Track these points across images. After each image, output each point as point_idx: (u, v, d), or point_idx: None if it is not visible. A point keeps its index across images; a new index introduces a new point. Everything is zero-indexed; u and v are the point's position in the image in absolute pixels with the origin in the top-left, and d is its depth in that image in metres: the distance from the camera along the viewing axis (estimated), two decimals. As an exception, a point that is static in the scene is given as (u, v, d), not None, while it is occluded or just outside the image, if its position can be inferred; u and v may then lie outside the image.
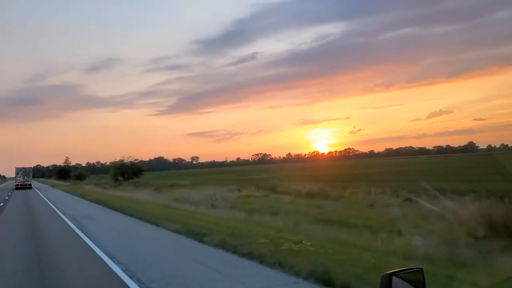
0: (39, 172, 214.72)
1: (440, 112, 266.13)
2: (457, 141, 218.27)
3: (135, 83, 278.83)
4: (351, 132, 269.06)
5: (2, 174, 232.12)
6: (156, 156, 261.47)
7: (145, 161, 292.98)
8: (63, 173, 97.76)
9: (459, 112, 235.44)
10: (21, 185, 53.49)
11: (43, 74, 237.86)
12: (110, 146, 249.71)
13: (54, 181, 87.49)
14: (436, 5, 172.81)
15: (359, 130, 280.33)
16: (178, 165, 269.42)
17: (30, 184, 55.17)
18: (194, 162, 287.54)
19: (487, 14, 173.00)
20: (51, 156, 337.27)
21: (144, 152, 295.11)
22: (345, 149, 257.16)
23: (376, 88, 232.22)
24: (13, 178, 62.02)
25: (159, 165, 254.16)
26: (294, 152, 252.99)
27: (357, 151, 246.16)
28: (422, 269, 2.20)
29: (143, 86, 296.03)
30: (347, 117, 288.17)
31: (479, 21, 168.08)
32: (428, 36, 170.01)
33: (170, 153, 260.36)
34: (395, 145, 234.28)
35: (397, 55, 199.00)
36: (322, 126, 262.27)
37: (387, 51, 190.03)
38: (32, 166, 68.97)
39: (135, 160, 57.75)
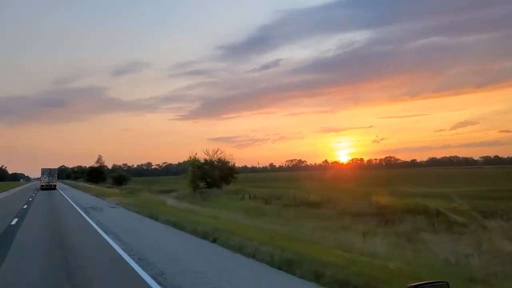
0: (64, 173, 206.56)
1: (465, 123, 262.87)
2: (482, 153, 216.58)
3: (158, 88, 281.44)
4: (374, 141, 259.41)
5: (26, 175, 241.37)
6: (186, 159, 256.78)
7: (174, 164, 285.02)
8: (96, 175, 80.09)
9: (485, 124, 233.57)
10: (46, 185, 54.17)
11: (70, 76, 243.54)
12: (134, 149, 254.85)
13: (85, 184, 70.33)
14: (465, 14, 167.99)
15: (382, 139, 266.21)
16: None
17: (55, 185, 55.93)
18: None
19: None
20: (75, 158, 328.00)
21: (163, 157, 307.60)
22: (386, 157, 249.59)
23: (401, 97, 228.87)
24: (37, 179, 66.71)
25: (187, 169, 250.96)
26: (321, 159, 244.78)
27: (398, 159, 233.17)
28: (447, 283, 2.18)
29: (166, 91, 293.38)
30: (371, 126, 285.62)
31: (509, 31, 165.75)
32: (456, 45, 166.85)
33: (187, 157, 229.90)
34: (419, 156, 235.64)
35: (424, 64, 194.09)
36: (344, 135, 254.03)
37: (414, 60, 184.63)
38: (57, 167, 66.56)
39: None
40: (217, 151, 34.48)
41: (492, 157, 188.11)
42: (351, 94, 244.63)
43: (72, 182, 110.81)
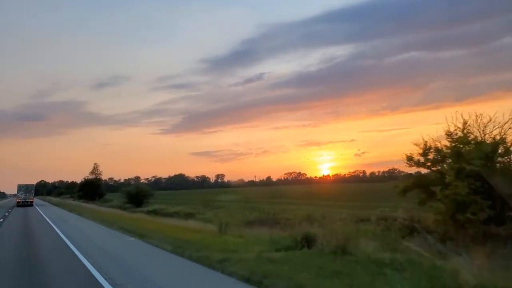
0: (44, 189, 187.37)
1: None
2: None
3: (140, 101, 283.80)
4: (355, 154, 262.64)
5: (2, 191, 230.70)
6: (176, 173, 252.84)
7: (164, 178, 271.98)
8: (90, 189, 61.65)
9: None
10: (22, 202, 53.08)
11: (48, 90, 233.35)
12: (116, 164, 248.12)
13: (79, 205, 52.22)
14: (443, 30, 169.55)
15: (363, 153, 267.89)
16: (201, 184, 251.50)
17: (32, 201, 54.97)
18: (220, 181, 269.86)
19: (495, 39, 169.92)
20: (55, 173, 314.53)
21: (147, 171, 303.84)
22: (389, 169, 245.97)
23: (381, 111, 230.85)
24: (14, 195, 64.87)
25: (179, 184, 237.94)
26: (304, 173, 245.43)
27: (401, 171, 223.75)
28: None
29: (148, 105, 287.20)
30: (352, 140, 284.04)
31: (487, 46, 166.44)
32: (435, 60, 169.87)
33: (170, 173, 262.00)
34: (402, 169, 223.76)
35: (403, 78, 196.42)
36: (326, 148, 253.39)
37: (394, 74, 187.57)
38: (35, 183, 67.35)
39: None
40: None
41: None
42: (332, 108, 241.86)
43: (56, 200, 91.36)
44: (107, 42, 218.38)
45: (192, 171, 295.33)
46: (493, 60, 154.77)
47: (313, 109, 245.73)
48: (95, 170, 66.14)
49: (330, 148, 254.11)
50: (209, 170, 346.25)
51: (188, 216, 26.18)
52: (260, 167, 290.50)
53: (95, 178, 65.87)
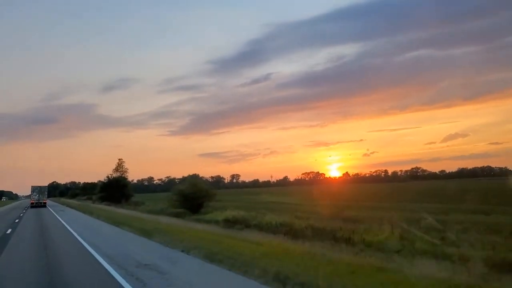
0: (57, 190, 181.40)
1: (455, 136, 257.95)
2: (472, 165, 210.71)
3: (148, 103, 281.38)
4: (364, 154, 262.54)
5: (15, 193, 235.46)
6: (190, 174, 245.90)
7: (178, 179, 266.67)
8: (115, 190, 51.90)
9: (475, 136, 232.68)
10: (36, 203, 52.06)
11: (59, 93, 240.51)
12: (127, 165, 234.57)
13: (109, 208, 42.39)
14: (453, 27, 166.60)
15: (372, 152, 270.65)
16: (217, 184, 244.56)
17: (45, 203, 53.85)
18: (235, 181, 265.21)
19: (506, 36, 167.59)
20: (67, 175, 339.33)
21: (157, 172, 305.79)
22: (412, 168, 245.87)
23: (390, 111, 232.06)
24: (26, 197, 68.65)
25: None
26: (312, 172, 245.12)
27: (425, 170, 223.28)
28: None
29: (156, 107, 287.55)
30: (361, 140, 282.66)
31: (497, 43, 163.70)
32: (445, 58, 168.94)
33: (180, 174, 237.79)
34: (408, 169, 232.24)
35: (412, 77, 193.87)
36: (335, 148, 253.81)
37: (403, 73, 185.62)
38: (47, 184, 64.98)
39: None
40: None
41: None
42: (340, 107, 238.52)
43: (74, 202, 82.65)
44: (115, 45, 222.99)
45: (201, 171, 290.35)
46: (504, 57, 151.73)
47: (321, 109, 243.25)
48: (119, 167, 56.37)
49: (338, 148, 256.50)
50: (216, 171, 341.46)
51: (292, 231, 16.68)
52: (267, 167, 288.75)
53: (121, 177, 56.01)
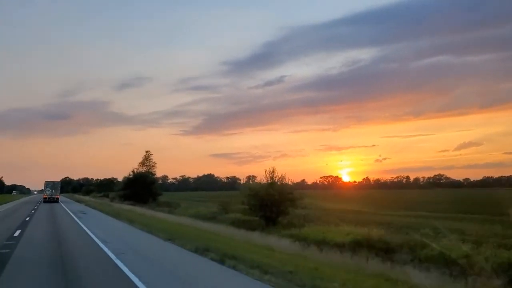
0: (69, 186, 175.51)
1: (469, 144, 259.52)
2: (486, 174, 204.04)
3: (161, 102, 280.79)
4: (376, 160, 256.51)
5: (27, 187, 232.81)
6: (205, 174, 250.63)
7: (192, 178, 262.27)
8: (141, 188, 43.08)
9: (489, 145, 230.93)
10: (49, 198, 53.74)
11: (73, 89, 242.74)
12: (135, 163, 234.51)
13: (142, 211, 33.52)
14: (471, 34, 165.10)
15: (384, 158, 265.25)
16: (232, 185, 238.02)
17: (58, 198, 55.30)
18: (251, 182, 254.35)
19: None
20: (79, 171, 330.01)
21: (170, 171, 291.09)
22: (435, 175, 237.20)
23: (404, 117, 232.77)
24: (39, 191, 70.39)
25: (209, 184, 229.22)
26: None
27: (449, 178, 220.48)
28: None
29: (169, 106, 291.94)
30: (373, 145, 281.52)
31: None
32: (462, 65, 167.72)
33: (192, 173, 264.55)
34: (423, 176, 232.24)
35: (428, 83, 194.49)
36: (347, 153, 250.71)
37: (418, 79, 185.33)
38: (60, 180, 64.69)
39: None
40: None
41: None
42: (354, 112, 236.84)
43: (92, 200, 74.88)
44: (130, 44, 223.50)
45: (213, 171, 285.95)
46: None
47: (334, 113, 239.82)
48: (146, 160, 48.02)
49: (350, 153, 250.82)
50: (227, 171, 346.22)
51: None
52: (278, 170, 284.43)
53: (148, 172, 47.61)
